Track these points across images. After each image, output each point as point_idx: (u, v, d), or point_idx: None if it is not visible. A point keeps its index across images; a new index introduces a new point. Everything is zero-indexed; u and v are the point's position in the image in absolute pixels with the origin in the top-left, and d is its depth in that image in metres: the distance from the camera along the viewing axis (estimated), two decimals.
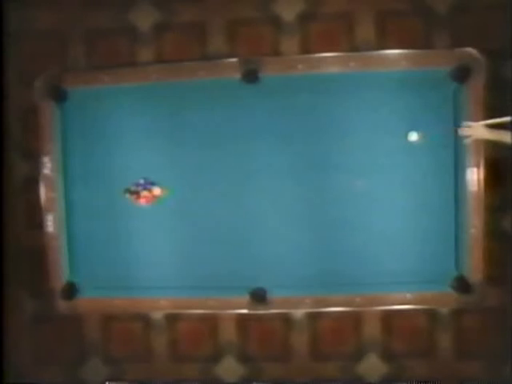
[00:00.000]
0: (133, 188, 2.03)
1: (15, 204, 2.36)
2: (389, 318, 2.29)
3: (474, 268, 1.90)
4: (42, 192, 2.04)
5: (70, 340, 2.44)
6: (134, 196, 2.03)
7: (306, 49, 2.19)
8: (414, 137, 1.82)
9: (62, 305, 2.08)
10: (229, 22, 2.23)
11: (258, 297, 1.99)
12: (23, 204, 2.35)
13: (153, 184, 2.03)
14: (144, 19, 2.26)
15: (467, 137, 1.68)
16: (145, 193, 2.01)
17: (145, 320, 2.38)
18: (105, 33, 2.28)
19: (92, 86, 2.02)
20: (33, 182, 2.10)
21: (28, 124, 2.28)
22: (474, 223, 1.88)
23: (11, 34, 2.29)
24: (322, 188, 1.98)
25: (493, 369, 2.29)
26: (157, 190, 2.01)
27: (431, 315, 2.28)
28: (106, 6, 2.27)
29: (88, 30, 2.28)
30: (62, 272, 2.08)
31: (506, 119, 1.53)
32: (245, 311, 2.01)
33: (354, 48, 2.17)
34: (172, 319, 2.37)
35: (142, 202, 2.02)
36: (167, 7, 2.25)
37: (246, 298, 1.99)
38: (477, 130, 1.62)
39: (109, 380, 2.42)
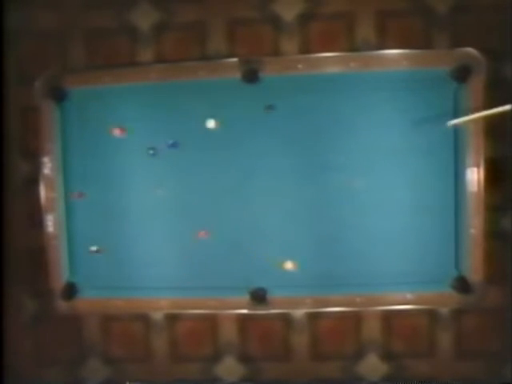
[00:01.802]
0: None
1: (15, 204, 2.36)
2: (389, 318, 2.29)
3: (474, 268, 1.90)
4: (42, 192, 2.04)
5: (69, 340, 2.44)
6: None
7: (306, 49, 2.19)
8: (211, 124, 1.93)
9: (62, 305, 2.07)
10: (229, 22, 2.23)
11: (258, 297, 1.99)
12: (23, 204, 2.35)
13: (175, 145, 2.00)
14: (144, 19, 2.26)
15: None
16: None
17: (145, 320, 2.38)
18: (105, 33, 2.28)
19: (92, 85, 2.01)
20: (33, 182, 2.09)
21: (28, 124, 2.28)
22: (474, 223, 1.88)
23: (11, 33, 2.29)
24: (322, 188, 1.98)
25: (493, 369, 2.29)
26: (288, 264, 1.99)
27: (431, 315, 2.28)
28: (106, 5, 2.27)
29: (88, 30, 2.28)
30: (61, 272, 2.07)
31: (506, 108, 1.50)
32: (245, 311, 2.01)
33: (353, 48, 2.17)
34: (172, 319, 2.37)
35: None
36: (167, 7, 2.25)
37: (246, 298, 1.99)
38: None
39: (109, 380, 2.42)
